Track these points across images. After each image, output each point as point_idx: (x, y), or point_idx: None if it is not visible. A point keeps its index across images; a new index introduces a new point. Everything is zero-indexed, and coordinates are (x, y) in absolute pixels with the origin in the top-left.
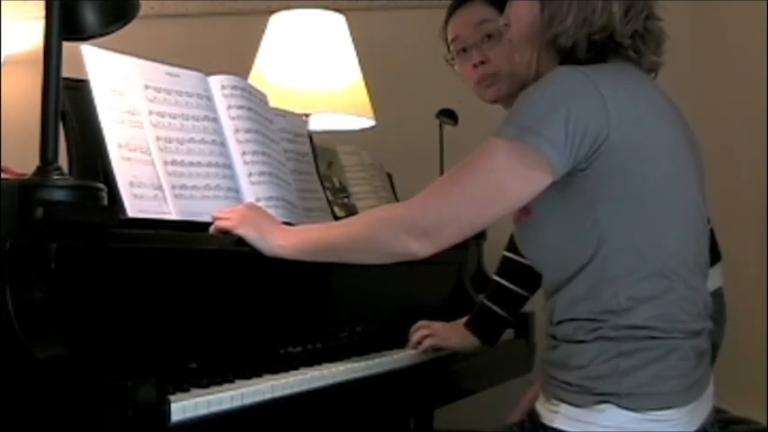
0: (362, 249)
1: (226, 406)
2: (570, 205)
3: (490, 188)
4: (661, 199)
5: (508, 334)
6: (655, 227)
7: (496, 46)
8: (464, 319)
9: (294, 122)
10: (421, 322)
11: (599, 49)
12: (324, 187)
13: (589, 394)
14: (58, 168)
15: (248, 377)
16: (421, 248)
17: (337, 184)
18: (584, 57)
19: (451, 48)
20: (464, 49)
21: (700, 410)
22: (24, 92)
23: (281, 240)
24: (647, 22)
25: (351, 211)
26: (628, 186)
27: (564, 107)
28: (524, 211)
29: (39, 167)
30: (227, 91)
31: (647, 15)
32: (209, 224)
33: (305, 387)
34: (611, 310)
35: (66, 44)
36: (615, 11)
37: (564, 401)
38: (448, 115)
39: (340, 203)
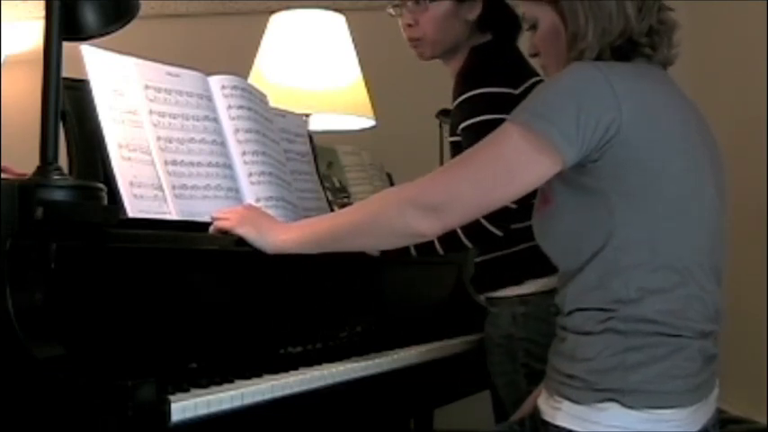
0: (368, 231)
1: (226, 406)
2: (587, 194)
3: (498, 170)
4: (674, 196)
5: None
6: (667, 222)
7: (425, 12)
8: None
9: (294, 122)
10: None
11: (621, 52)
12: (324, 187)
13: (592, 390)
14: (58, 168)
15: (248, 377)
16: (428, 226)
17: (337, 184)
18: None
19: None
20: (397, 5)
21: (703, 411)
22: (24, 92)
23: (282, 235)
24: (660, 14)
25: None
26: (640, 181)
27: (576, 99)
28: (545, 201)
29: (39, 167)
30: (227, 91)
31: (659, 7)
32: (209, 224)
33: (305, 387)
34: (621, 299)
35: (66, 44)
36: (630, 12)
37: (566, 398)
38: (448, 115)
39: (340, 203)
